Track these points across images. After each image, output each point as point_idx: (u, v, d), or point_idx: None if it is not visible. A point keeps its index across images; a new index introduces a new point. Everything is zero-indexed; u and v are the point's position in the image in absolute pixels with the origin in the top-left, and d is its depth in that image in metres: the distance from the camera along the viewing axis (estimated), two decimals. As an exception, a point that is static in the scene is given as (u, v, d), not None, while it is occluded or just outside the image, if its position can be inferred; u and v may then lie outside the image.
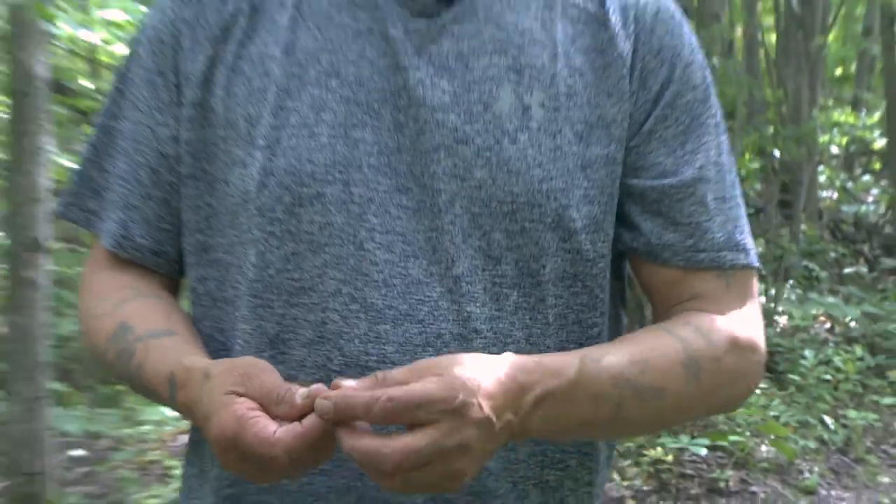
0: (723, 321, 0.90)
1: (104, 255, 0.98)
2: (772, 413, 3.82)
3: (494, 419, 0.73)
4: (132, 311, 0.91)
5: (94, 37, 3.75)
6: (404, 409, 0.71)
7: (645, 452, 3.56)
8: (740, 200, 0.95)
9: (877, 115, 8.53)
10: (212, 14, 0.93)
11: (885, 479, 3.74)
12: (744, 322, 0.92)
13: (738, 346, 0.89)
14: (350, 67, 0.88)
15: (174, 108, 0.93)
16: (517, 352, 0.83)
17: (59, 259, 3.42)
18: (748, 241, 0.94)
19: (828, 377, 4.39)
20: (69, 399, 3.40)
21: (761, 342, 0.92)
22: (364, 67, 0.88)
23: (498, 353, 0.81)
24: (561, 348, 0.89)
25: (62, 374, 3.46)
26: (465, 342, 0.86)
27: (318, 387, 0.74)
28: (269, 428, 0.73)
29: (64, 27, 2.86)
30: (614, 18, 0.91)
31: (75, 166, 1.01)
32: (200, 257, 0.94)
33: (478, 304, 0.87)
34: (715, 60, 6.14)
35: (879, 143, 8.18)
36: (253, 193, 0.87)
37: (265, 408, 0.75)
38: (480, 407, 0.73)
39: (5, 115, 3.47)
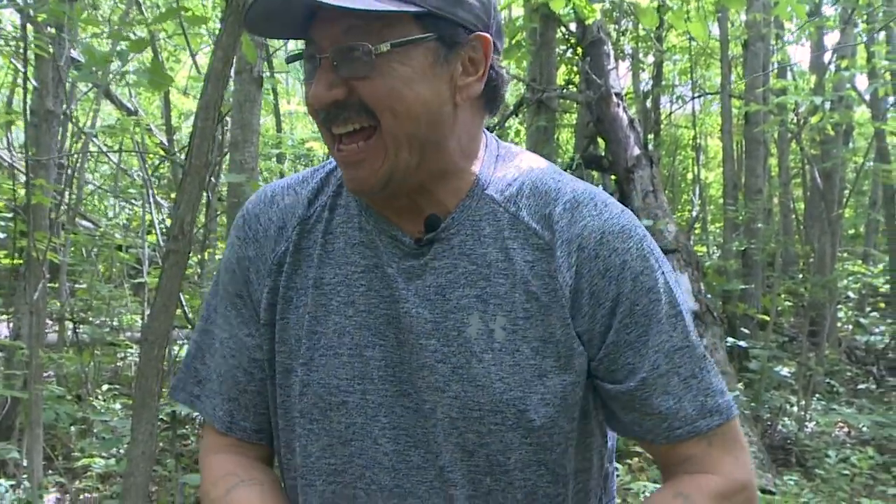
0: (707, 481, 0.97)
1: (216, 436, 1.09)
2: (802, 500, 4.06)
3: None
4: (237, 499, 1.02)
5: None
6: None
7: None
8: (708, 366, 0.99)
9: (881, 266, 8.82)
10: (268, 252, 1.02)
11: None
12: (728, 471, 0.98)
13: (724, 498, 0.97)
14: (361, 298, 0.98)
15: (257, 323, 1.04)
16: None
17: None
18: (720, 400, 0.99)
19: (846, 472, 4.68)
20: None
21: (746, 476, 0.99)
22: (372, 297, 0.98)
23: None
24: None
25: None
26: None
27: None
28: None
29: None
30: (560, 251, 0.95)
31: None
32: (278, 436, 1.06)
33: (457, 487, 0.97)
34: (759, 224, 7.03)
35: (884, 287, 8.52)
36: (296, 399, 1.00)
37: None
38: None
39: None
